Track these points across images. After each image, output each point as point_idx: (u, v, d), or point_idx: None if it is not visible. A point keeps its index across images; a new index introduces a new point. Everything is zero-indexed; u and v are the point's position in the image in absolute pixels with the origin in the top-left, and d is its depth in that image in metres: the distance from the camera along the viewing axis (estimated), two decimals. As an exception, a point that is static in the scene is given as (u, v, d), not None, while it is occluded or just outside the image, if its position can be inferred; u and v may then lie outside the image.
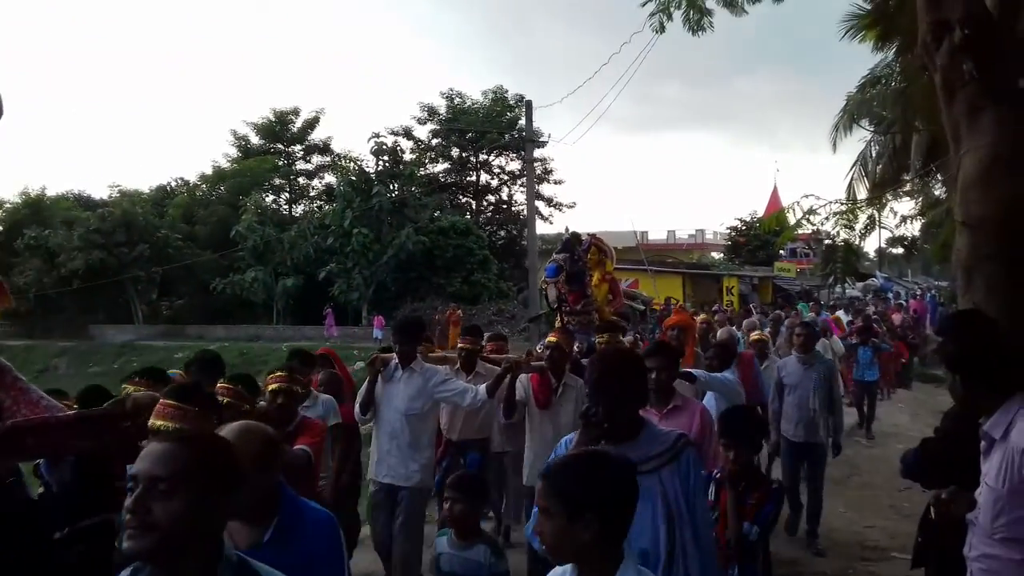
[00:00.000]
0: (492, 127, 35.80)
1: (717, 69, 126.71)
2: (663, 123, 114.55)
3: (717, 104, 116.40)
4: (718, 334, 8.56)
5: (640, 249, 28.79)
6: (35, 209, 35.79)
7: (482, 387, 5.19)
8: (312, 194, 40.11)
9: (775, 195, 39.74)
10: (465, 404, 5.24)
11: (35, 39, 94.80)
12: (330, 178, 38.01)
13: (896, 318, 17.91)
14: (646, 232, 42.74)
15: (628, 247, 33.61)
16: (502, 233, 39.67)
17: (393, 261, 30.12)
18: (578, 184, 59.51)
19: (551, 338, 5.63)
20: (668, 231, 47.69)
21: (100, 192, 39.28)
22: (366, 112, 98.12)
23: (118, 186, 38.06)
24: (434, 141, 37.90)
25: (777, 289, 33.44)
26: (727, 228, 41.26)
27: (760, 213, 38.09)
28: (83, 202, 37.60)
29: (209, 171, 39.31)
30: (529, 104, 21.65)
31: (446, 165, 38.67)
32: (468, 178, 39.26)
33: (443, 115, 36.98)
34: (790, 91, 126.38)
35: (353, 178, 31.52)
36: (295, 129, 39.13)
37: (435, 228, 31.84)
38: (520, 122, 34.28)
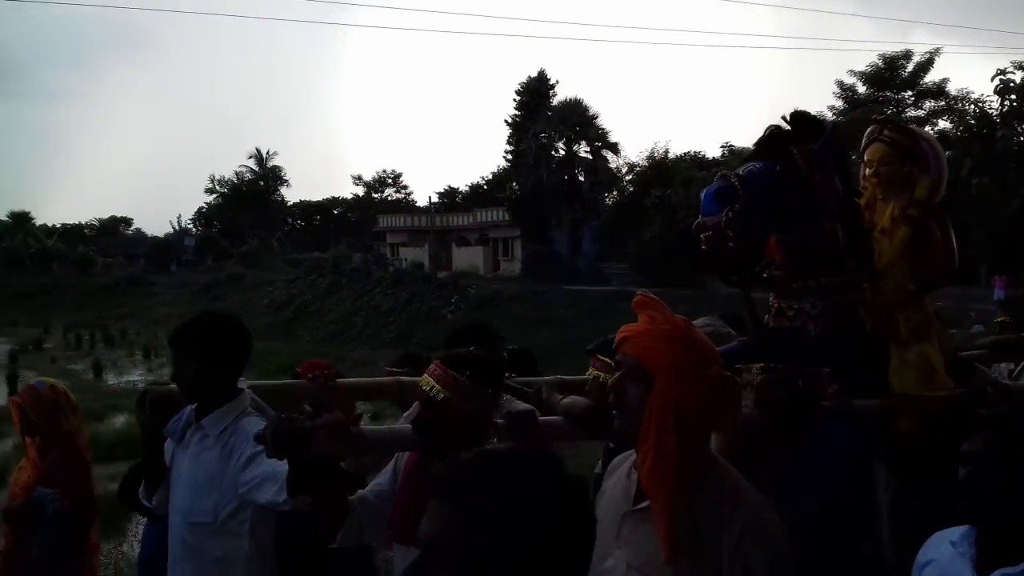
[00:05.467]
0: None
1: None
2: None
3: None
4: None
5: None
6: (659, 170, 40.32)
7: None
8: (924, 142, 37.44)
9: None
10: (264, 501, 2.45)
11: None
12: (944, 123, 35.04)
13: None
14: None
15: None
16: None
17: (1017, 213, 26.70)
18: None
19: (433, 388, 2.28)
20: None
21: (714, 152, 42.45)
22: (989, 49, 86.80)
23: (729, 145, 40.74)
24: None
25: None
26: None
27: None
28: (698, 162, 41.12)
29: (815, 125, 39.43)
30: None
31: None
32: None
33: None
34: None
35: (972, 122, 28.64)
36: (905, 74, 36.89)
37: (1077, 173, 27.24)
38: None
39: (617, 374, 1.84)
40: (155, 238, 65.44)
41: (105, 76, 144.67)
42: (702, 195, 3.10)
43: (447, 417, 2.18)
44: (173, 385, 2.75)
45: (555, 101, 42.17)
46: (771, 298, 3.33)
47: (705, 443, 1.78)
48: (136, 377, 21.89)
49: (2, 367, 20.53)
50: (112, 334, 32.24)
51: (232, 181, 65.87)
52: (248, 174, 65.46)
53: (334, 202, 72.59)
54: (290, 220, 71.52)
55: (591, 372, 3.18)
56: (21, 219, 70.50)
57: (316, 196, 73.57)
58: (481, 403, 2.23)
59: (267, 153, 65.47)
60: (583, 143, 41.52)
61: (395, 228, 51.73)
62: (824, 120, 3.28)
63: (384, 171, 72.19)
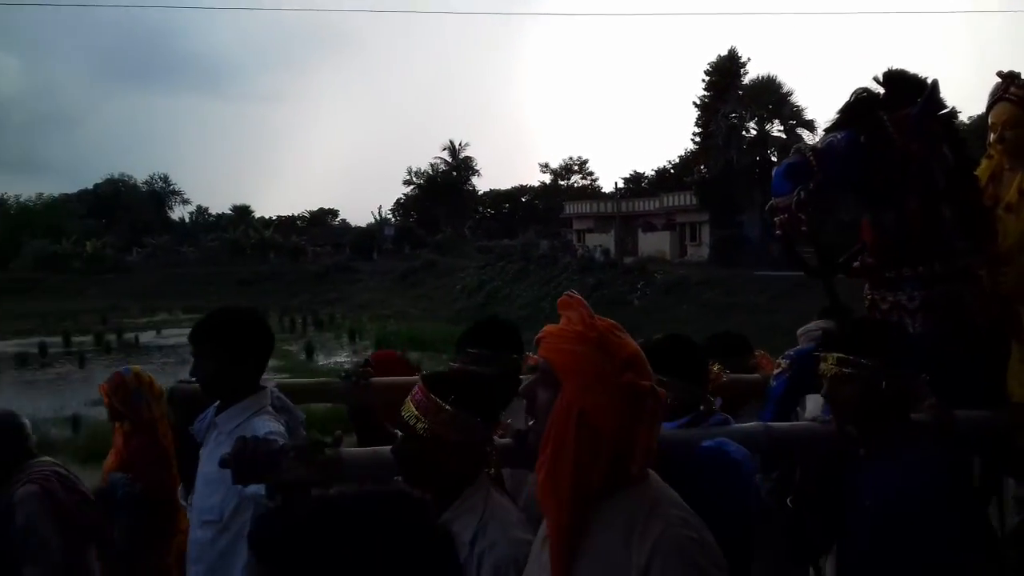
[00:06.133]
0: None
1: None
2: None
3: None
4: None
5: None
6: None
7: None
8: None
9: None
10: (251, 492, 2.40)
11: None
12: None
13: None
14: None
15: None
16: None
17: None
18: None
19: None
20: None
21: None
22: None
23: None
24: None
25: None
26: None
27: None
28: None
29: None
30: None
31: None
32: None
33: None
34: None
35: None
36: None
37: None
38: None
39: (531, 378, 1.68)
40: (358, 228, 69.51)
41: (311, 77, 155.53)
42: (774, 173, 2.64)
43: (429, 446, 1.92)
44: (186, 383, 2.70)
45: (746, 80, 40.88)
46: (865, 289, 2.86)
47: (624, 457, 1.53)
48: (343, 358, 23.53)
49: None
50: (321, 318, 34.53)
51: (427, 172, 68.80)
52: (442, 165, 68.07)
53: (522, 190, 74.02)
54: (481, 209, 73.67)
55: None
56: (243, 212, 77.44)
57: (505, 185, 75.29)
58: (469, 432, 1.95)
59: (460, 144, 67.72)
60: (776, 122, 39.94)
61: (581, 214, 52.11)
62: (925, 80, 2.61)
63: (570, 158, 73.00)
